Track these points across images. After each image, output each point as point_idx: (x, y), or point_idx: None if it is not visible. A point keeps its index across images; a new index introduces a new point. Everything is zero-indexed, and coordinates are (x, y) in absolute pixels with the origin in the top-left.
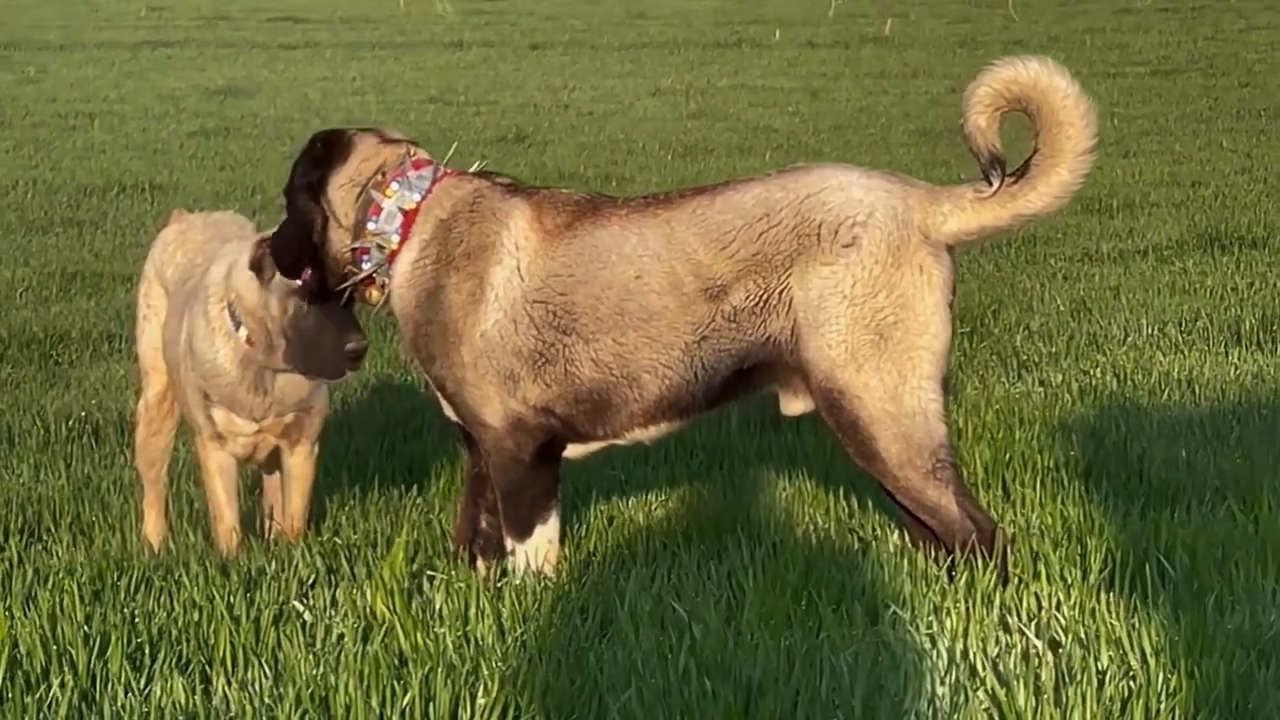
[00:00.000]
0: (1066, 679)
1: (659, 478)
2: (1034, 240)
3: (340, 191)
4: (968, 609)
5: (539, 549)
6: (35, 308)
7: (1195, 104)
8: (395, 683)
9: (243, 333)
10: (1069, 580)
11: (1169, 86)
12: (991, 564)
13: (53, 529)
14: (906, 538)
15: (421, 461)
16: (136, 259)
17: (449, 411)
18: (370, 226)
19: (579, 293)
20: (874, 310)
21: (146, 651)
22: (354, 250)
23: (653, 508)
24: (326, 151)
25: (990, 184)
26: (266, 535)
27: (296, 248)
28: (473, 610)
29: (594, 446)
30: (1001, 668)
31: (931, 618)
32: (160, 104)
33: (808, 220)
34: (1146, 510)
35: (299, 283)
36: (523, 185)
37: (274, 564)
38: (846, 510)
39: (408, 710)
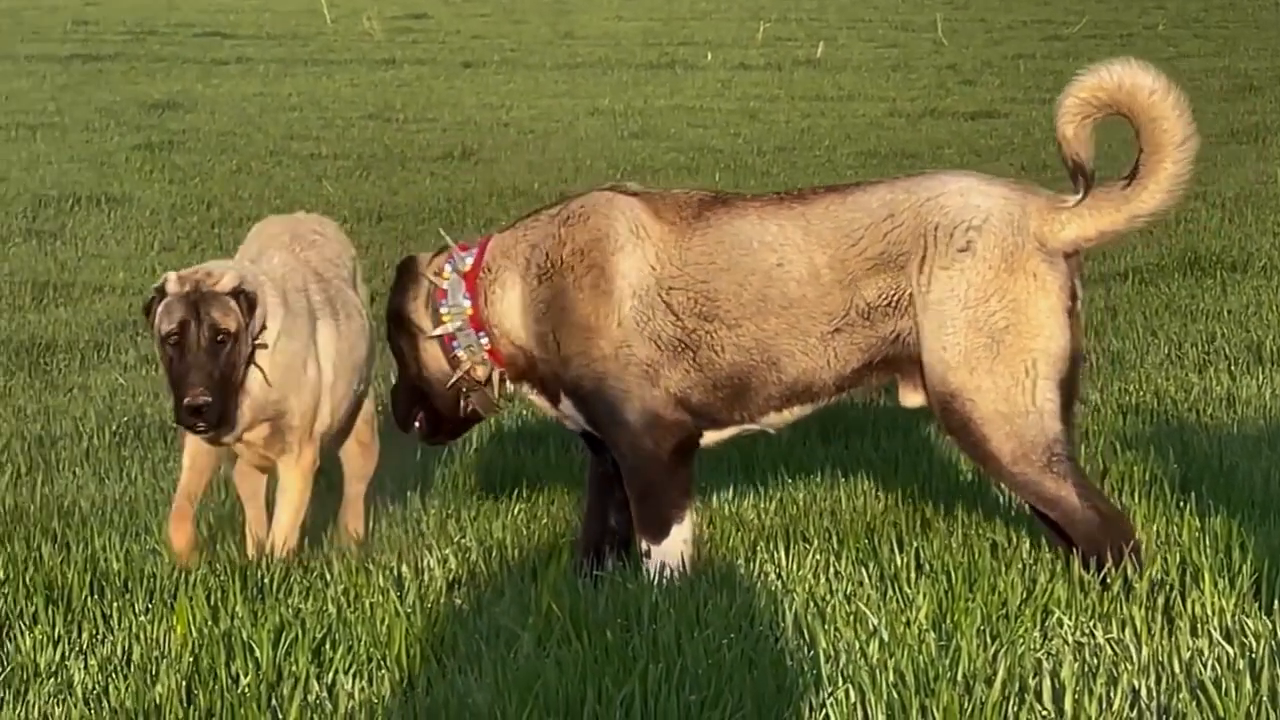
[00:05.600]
0: None
1: (776, 479)
2: None
3: (416, 305)
4: (1145, 615)
5: (675, 550)
6: (11, 317)
7: None
8: (607, 680)
9: None
10: (1220, 589)
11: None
12: (1145, 570)
13: (154, 530)
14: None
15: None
16: (103, 269)
17: (572, 422)
18: (443, 309)
19: (722, 280)
20: (987, 314)
21: (328, 647)
22: (443, 344)
23: (772, 512)
24: (399, 278)
25: (1076, 193)
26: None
27: (406, 393)
28: (645, 610)
29: (728, 432)
30: (1205, 674)
31: (1096, 624)
32: (99, 117)
33: (926, 223)
34: (1266, 523)
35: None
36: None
37: (407, 566)
38: (979, 516)
39: (628, 705)
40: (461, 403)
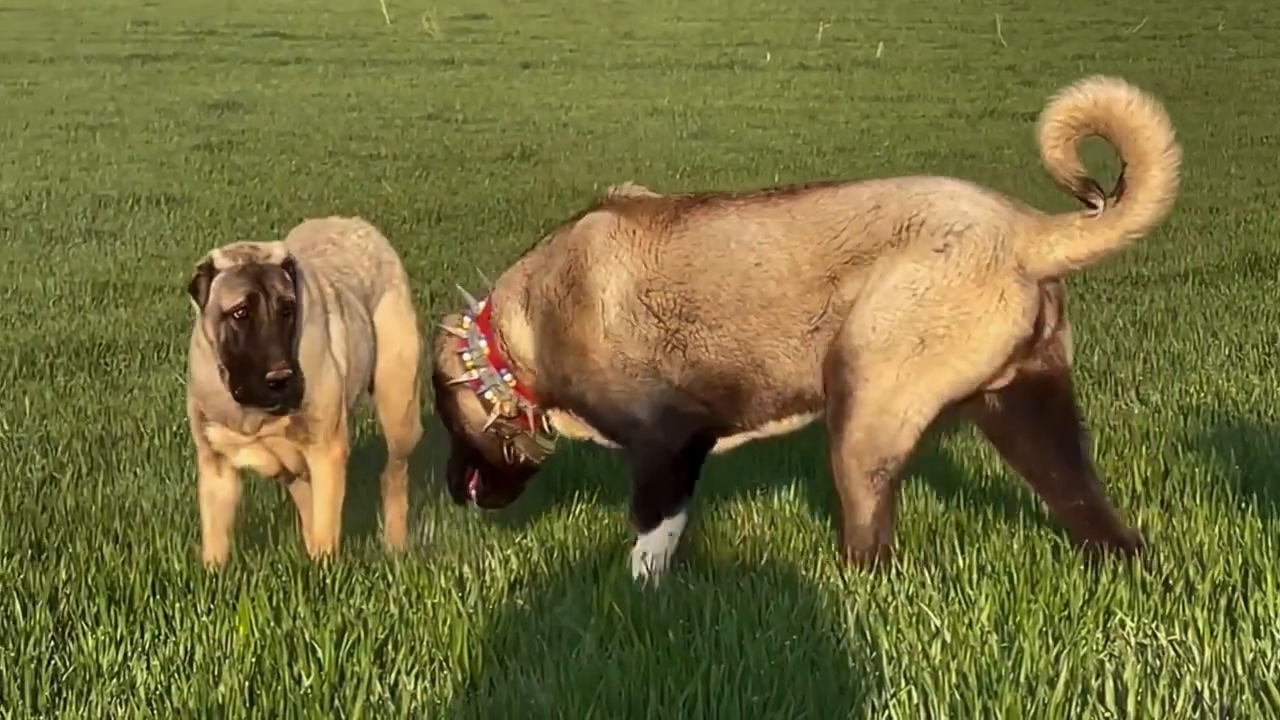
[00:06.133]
0: None
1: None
2: None
3: (446, 359)
4: (1207, 616)
5: (660, 541)
6: (71, 317)
7: (1196, 131)
8: (670, 681)
9: None
10: None
11: (1168, 114)
12: (1208, 571)
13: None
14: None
15: None
16: (163, 270)
17: (601, 439)
18: (465, 356)
19: (699, 280)
20: (932, 317)
21: (391, 647)
22: (473, 388)
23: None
24: (434, 341)
25: (1094, 206)
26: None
27: (457, 455)
28: (707, 611)
29: (736, 440)
30: (1268, 675)
31: (1158, 625)
32: (159, 117)
33: (910, 215)
34: None
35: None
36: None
37: (469, 567)
38: (1040, 518)
39: (690, 706)
40: (507, 451)
